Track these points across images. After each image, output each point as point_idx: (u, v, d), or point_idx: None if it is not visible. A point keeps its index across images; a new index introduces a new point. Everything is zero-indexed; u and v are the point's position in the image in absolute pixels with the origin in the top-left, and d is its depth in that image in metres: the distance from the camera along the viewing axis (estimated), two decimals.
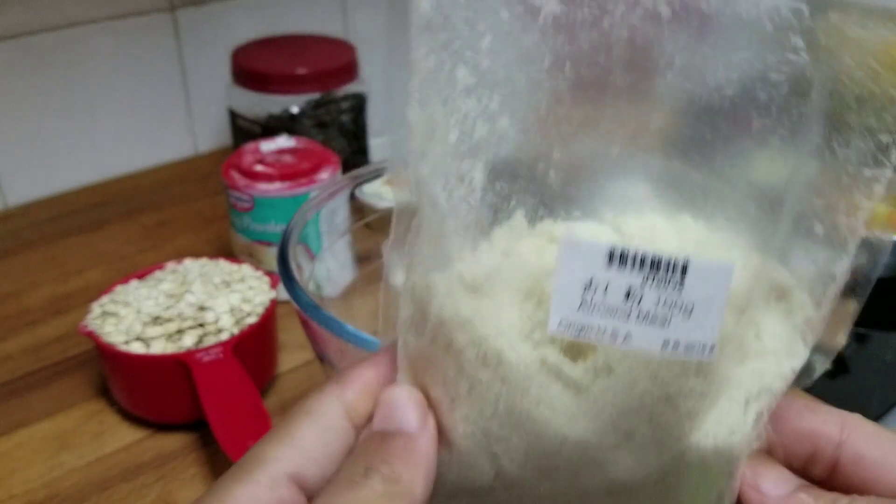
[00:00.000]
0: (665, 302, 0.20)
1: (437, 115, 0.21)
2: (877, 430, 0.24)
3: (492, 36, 0.20)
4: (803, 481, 0.23)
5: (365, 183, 0.53)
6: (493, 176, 0.22)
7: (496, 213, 0.23)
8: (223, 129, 0.89)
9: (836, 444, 0.24)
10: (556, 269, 0.20)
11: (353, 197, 0.53)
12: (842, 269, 0.22)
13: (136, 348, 0.51)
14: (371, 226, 0.56)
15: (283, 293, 0.43)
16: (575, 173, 0.22)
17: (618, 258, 0.20)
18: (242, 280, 0.56)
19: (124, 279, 0.57)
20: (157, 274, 0.57)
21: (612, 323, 0.20)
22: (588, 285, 0.20)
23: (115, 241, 0.74)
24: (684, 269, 0.20)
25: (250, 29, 0.86)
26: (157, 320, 0.52)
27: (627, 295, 0.20)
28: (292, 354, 0.59)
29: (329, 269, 0.52)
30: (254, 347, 0.53)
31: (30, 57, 0.76)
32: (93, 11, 0.78)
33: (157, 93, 0.85)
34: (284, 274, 0.43)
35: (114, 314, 0.53)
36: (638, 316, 0.20)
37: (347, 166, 0.66)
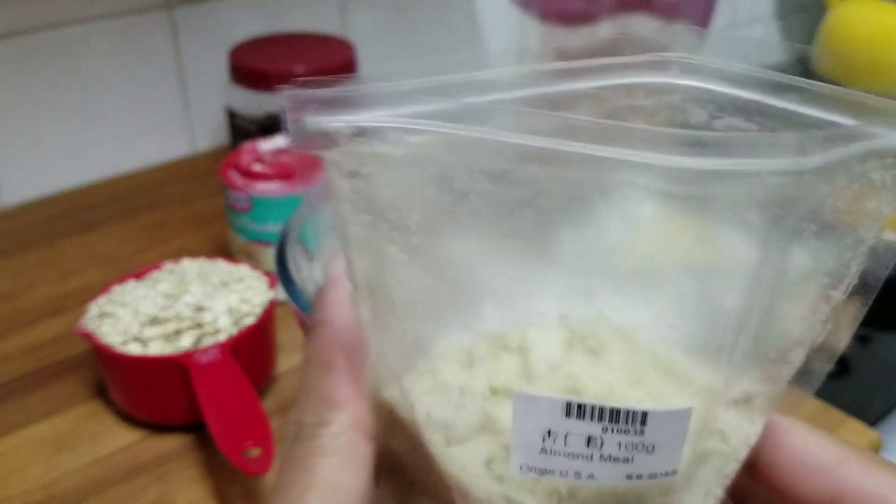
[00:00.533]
0: (627, 445, 0.20)
1: (372, 278, 0.20)
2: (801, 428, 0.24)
3: (420, 212, 0.19)
4: None
5: None
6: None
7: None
8: (221, 128, 0.88)
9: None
10: (513, 419, 0.20)
11: None
12: (799, 357, 0.23)
13: (134, 349, 0.50)
14: None
15: (281, 293, 0.43)
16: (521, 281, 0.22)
17: (575, 411, 0.20)
18: (241, 280, 0.56)
19: (122, 279, 0.56)
20: (155, 274, 0.57)
21: (574, 465, 0.20)
22: (547, 434, 0.20)
23: (112, 241, 0.74)
24: (643, 419, 0.20)
25: (248, 27, 0.86)
26: (154, 321, 0.52)
27: (588, 442, 0.20)
28: (291, 355, 0.58)
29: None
30: (252, 348, 0.53)
31: (26, 56, 0.76)
32: (90, 10, 0.78)
33: (155, 91, 0.85)
34: (283, 274, 0.43)
35: (111, 315, 0.52)
36: (601, 458, 0.20)
37: None
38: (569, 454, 0.20)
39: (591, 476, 0.20)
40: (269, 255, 0.63)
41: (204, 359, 0.49)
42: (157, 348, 0.50)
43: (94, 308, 0.53)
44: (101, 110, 0.82)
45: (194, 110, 0.88)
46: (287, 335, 0.58)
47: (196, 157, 0.89)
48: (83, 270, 0.69)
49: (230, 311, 0.53)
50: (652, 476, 0.21)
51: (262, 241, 0.63)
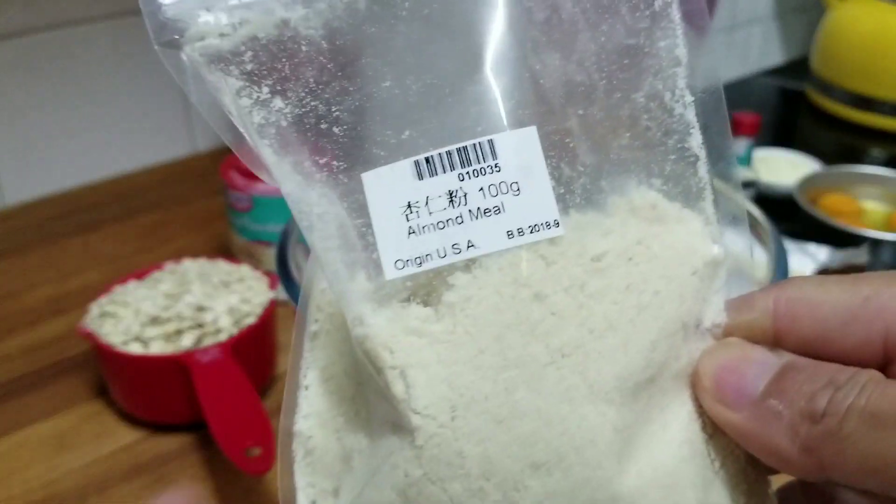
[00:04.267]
0: (490, 189, 0.19)
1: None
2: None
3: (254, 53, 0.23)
4: (781, 365, 0.19)
5: None
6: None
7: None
8: None
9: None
10: (369, 209, 0.19)
11: None
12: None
13: (135, 349, 0.50)
14: None
15: (282, 293, 0.43)
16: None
17: (425, 168, 0.19)
18: (241, 280, 0.56)
19: (123, 279, 0.57)
20: (156, 274, 0.57)
21: (448, 235, 0.19)
22: (407, 208, 0.19)
23: (113, 241, 0.74)
24: (492, 149, 0.19)
25: None
26: (155, 321, 0.52)
27: (451, 198, 0.19)
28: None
29: None
30: (253, 348, 0.53)
31: (28, 56, 0.76)
32: (91, 10, 0.78)
33: (156, 92, 0.85)
34: (283, 274, 0.43)
35: (112, 315, 0.53)
36: (470, 215, 0.19)
37: None
38: (437, 222, 0.19)
39: (470, 243, 0.19)
40: (269, 255, 0.63)
41: (205, 358, 0.50)
42: (158, 348, 0.51)
43: (95, 308, 0.53)
44: (103, 111, 0.82)
45: (195, 111, 0.88)
46: (288, 335, 0.58)
47: (197, 157, 0.89)
48: (84, 270, 0.69)
49: (231, 310, 0.53)
50: (533, 228, 0.19)
51: (262, 241, 0.63)
